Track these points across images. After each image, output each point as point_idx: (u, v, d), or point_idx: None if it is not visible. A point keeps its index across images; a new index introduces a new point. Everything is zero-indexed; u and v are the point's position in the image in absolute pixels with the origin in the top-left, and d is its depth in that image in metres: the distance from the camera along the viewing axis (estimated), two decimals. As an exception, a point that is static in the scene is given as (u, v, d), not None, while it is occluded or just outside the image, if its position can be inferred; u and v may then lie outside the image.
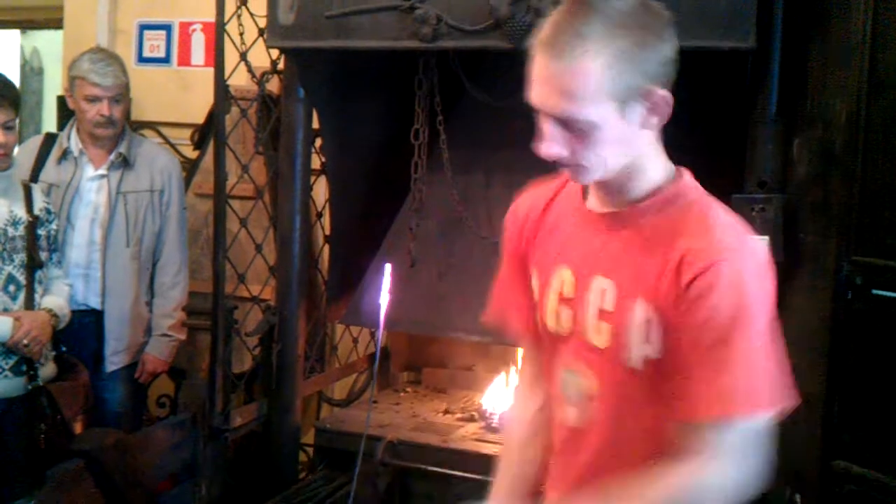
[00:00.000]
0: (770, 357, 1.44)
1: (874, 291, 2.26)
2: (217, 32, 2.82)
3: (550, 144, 1.46)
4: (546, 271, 1.62)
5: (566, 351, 1.60)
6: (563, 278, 1.58)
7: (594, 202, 1.58)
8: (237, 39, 2.93)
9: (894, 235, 2.22)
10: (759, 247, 1.52)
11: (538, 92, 1.45)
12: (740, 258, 1.43)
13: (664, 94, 1.43)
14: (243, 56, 2.96)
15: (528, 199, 1.72)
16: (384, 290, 1.73)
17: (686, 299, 1.42)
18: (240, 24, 2.93)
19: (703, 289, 1.40)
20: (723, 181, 2.45)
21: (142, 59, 4.35)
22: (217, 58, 2.83)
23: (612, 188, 1.53)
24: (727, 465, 1.42)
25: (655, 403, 1.49)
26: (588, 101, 1.39)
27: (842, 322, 2.33)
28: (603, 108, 1.40)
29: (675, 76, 1.47)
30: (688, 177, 1.56)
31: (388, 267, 1.73)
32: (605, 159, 1.46)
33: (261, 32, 2.91)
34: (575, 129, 1.43)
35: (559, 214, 1.65)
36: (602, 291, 1.51)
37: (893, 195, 2.22)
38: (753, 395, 1.42)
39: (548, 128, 1.46)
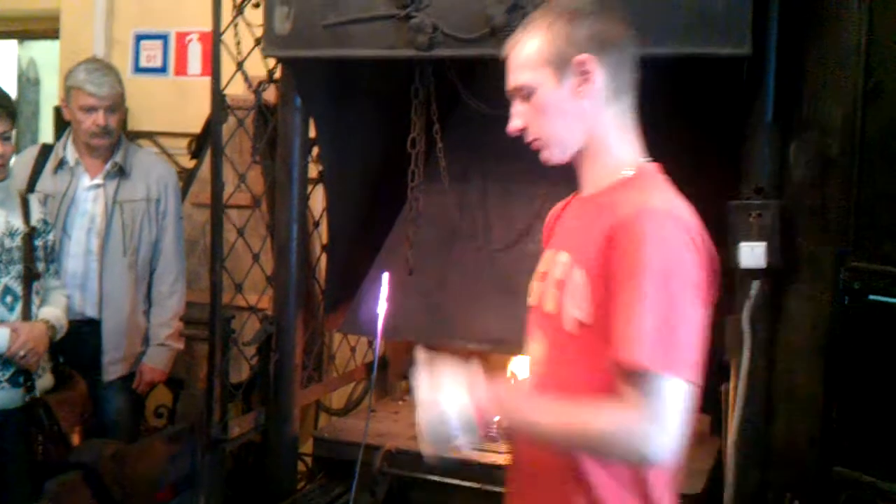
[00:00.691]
0: (665, 321, 1.47)
1: (871, 297, 2.26)
2: (213, 42, 2.82)
3: (512, 119, 1.70)
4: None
5: (532, 321, 1.76)
6: (545, 258, 1.76)
7: (583, 188, 1.74)
8: (233, 49, 2.93)
9: (892, 240, 2.22)
10: (682, 217, 1.57)
11: (507, 82, 1.70)
12: (650, 218, 1.52)
13: (591, 62, 1.62)
14: (240, 65, 2.95)
15: (559, 203, 1.89)
16: (382, 300, 1.72)
17: (607, 256, 1.54)
18: (236, 34, 2.93)
19: (615, 241, 1.52)
20: (719, 187, 2.46)
21: (138, 69, 4.36)
22: (214, 67, 2.83)
23: (585, 171, 1.71)
24: (641, 417, 1.46)
25: (593, 370, 1.57)
26: (529, 68, 1.65)
27: (839, 327, 2.33)
28: (540, 72, 1.64)
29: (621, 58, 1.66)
30: (651, 168, 1.69)
31: (385, 276, 1.73)
32: (552, 131, 1.66)
33: (257, 42, 2.91)
34: (525, 98, 1.66)
35: (569, 208, 1.81)
36: (562, 264, 1.66)
37: (890, 200, 2.22)
38: (637, 346, 1.46)
39: (512, 108, 1.70)
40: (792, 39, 2.42)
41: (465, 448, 1.58)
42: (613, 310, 1.51)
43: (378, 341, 1.86)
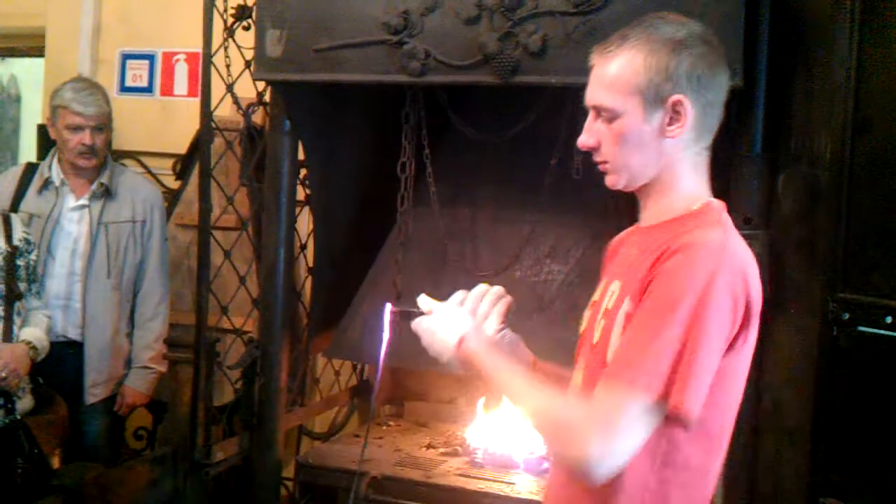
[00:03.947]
0: (676, 352, 1.44)
1: (860, 328, 2.27)
2: (203, 64, 2.81)
3: (584, 134, 1.63)
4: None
5: (578, 349, 1.72)
6: (600, 287, 1.72)
7: (644, 219, 1.68)
8: (223, 71, 2.92)
9: (880, 272, 2.23)
10: (736, 255, 1.52)
11: (587, 90, 1.63)
12: (693, 251, 1.48)
13: (687, 103, 1.54)
14: (230, 88, 2.95)
15: (621, 233, 1.83)
16: (385, 331, 1.73)
17: (650, 279, 1.50)
18: (226, 56, 2.93)
19: (661, 263, 1.49)
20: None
21: (124, 89, 4.33)
22: (203, 89, 2.82)
23: (650, 202, 1.65)
24: (588, 418, 1.44)
25: None
26: (617, 90, 1.56)
27: (828, 359, 2.34)
28: (629, 100, 1.56)
29: (715, 98, 1.61)
30: (718, 205, 1.64)
31: (388, 306, 1.74)
32: (627, 161, 1.60)
33: (247, 64, 2.91)
34: (603, 117, 1.59)
35: (629, 239, 1.76)
36: (612, 293, 1.62)
37: (879, 232, 2.24)
38: (641, 371, 1.43)
39: (588, 121, 1.63)
40: (781, 72, 2.44)
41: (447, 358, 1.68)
42: (631, 323, 1.49)
43: (379, 374, 1.84)
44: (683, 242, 1.49)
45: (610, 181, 1.65)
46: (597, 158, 1.64)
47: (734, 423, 1.65)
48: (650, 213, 1.65)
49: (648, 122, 1.56)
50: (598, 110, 1.60)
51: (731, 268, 1.48)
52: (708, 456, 1.59)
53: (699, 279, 1.44)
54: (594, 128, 1.62)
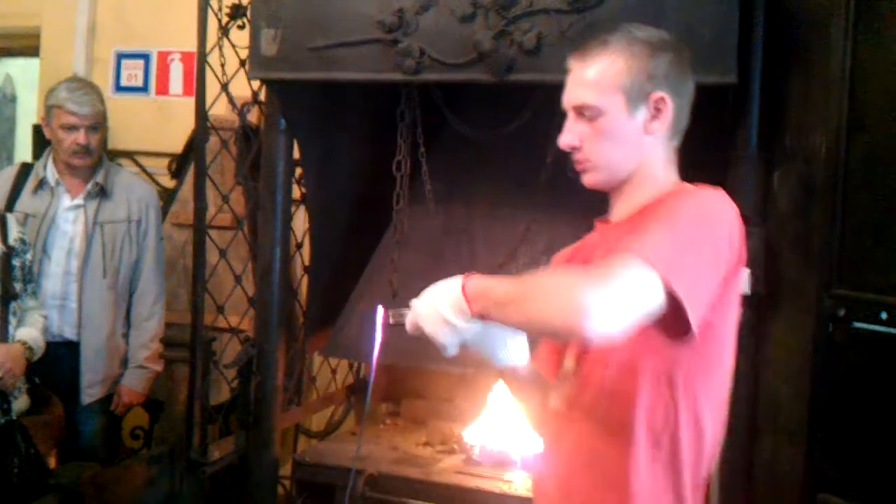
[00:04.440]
0: (682, 242, 1.46)
1: (855, 324, 2.28)
2: (198, 63, 2.81)
3: (565, 134, 1.67)
4: None
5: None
6: None
7: (614, 215, 1.71)
8: (218, 70, 2.92)
9: (875, 268, 2.24)
10: (725, 197, 1.58)
11: (565, 92, 1.68)
12: (687, 192, 1.57)
13: (668, 100, 1.61)
14: (224, 87, 2.95)
15: (566, 249, 1.86)
16: (377, 332, 1.72)
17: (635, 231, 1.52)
18: (221, 55, 2.92)
19: (646, 214, 1.55)
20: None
21: (119, 88, 4.33)
22: (198, 88, 2.82)
23: (622, 198, 1.68)
24: (590, 277, 1.42)
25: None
26: (600, 90, 1.62)
27: (824, 355, 2.34)
28: (612, 98, 1.61)
29: (686, 101, 1.68)
30: (690, 185, 1.67)
31: (380, 309, 1.72)
32: (609, 157, 1.65)
33: (242, 63, 2.90)
34: (586, 117, 1.63)
35: (588, 238, 1.79)
36: None
37: (874, 228, 2.24)
38: (654, 252, 1.43)
39: (567, 122, 1.67)
40: (776, 69, 2.45)
41: (449, 342, 1.59)
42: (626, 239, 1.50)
43: (372, 375, 1.83)
44: (671, 192, 1.58)
45: (588, 179, 1.69)
46: (577, 157, 1.68)
47: (729, 415, 1.66)
48: (622, 208, 1.69)
49: (631, 118, 1.63)
50: (581, 110, 1.65)
51: (725, 206, 1.54)
52: (700, 428, 1.61)
53: (706, 201, 1.52)
54: (576, 128, 1.66)
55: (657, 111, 1.63)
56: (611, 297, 1.38)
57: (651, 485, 1.58)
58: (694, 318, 1.44)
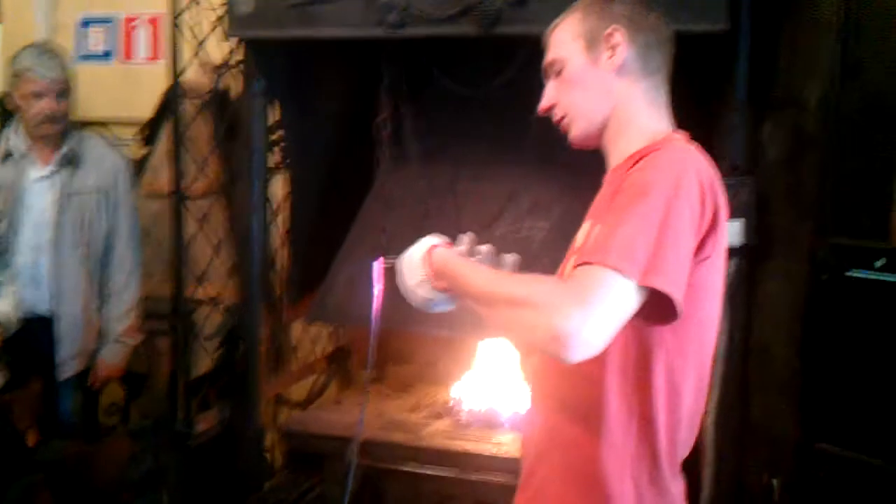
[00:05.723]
0: (652, 234, 1.41)
1: (849, 272, 2.28)
2: (171, 25, 2.72)
3: (543, 99, 1.69)
4: None
5: None
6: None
7: (610, 164, 1.70)
8: (189, 33, 2.83)
9: (868, 216, 2.23)
10: (698, 157, 1.55)
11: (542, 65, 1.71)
12: (659, 154, 1.53)
13: (621, 33, 1.62)
14: (198, 50, 2.86)
15: None
16: (376, 285, 1.71)
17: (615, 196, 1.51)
18: (193, 18, 2.84)
19: (624, 179, 1.52)
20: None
21: (84, 55, 4.20)
22: (171, 51, 2.74)
23: (612, 147, 1.67)
24: (566, 293, 1.39)
25: None
26: (561, 42, 1.68)
27: (817, 304, 2.34)
28: (572, 46, 1.66)
29: (655, 37, 1.66)
30: (680, 136, 1.66)
31: (376, 265, 1.73)
32: (581, 106, 1.66)
33: (214, 26, 2.82)
34: (556, 74, 1.67)
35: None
36: (584, 232, 1.64)
37: (866, 176, 2.24)
38: (627, 255, 1.40)
39: (545, 90, 1.70)
40: (766, 17, 2.42)
41: (422, 297, 1.66)
42: (603, 219, 1.48)
43: (374, 326, 1.80)
44: (647, 154, 1.55)
45: (572, 136, 1.69)
46: (556, 116, 1.70)
47: (722, 370, 1.65)
48: (614, 156, 1.68)
49: (594, 61, 1.64)
50: (549, 69, 1.69)
51: (697, 166, 1.51)
52: (682, 375, 1.58)
53: (669, 171, 1.48)
54: (549, 91, 1.70)
55: (613, 46, 1.63)
56: (590, 322, 1.36)
57: (623, 423, 1.56)
58: (680, 303, 1.43)
